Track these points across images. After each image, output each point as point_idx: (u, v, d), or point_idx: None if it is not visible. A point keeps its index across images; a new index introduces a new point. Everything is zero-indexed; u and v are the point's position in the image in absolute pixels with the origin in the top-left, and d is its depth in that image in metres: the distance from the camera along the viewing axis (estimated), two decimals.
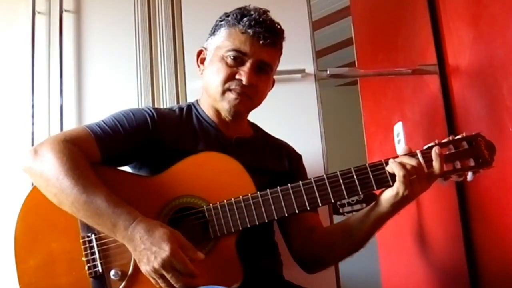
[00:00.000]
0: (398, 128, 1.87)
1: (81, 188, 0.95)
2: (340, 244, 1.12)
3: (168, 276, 0.91)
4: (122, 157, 1.10)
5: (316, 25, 1.86)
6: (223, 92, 1.14)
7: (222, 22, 1.17)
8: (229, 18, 1.16)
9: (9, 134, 1.54)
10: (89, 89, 1.58)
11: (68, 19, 1.61)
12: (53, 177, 0.96)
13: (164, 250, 0.90)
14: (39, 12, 1.59)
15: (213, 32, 1.20)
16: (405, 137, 1.82)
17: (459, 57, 1.58)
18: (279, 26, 1.18)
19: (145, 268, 0.92)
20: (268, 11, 1.17)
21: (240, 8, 1.17)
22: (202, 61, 1.22)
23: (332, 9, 2.76)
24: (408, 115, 1.87)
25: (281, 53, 1.21)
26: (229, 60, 1.13)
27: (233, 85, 1.13)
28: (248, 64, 1.12)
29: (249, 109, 1.21)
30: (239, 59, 1.13)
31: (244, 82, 1.11)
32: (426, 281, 1.82)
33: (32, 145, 1.50)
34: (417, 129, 1.79)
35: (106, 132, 1.06)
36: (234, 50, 1.12)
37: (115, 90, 1.59)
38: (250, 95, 1.15)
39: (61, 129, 1.53)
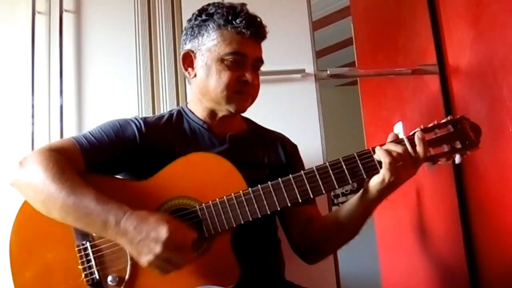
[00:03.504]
0: (398, 128, 1.87)
1: (69, 190, 0.95)
2: (335, 234, 1.13)
3: (173, 258, 0.91)
4: (108, 167, 1.09)
5: (316, 25, 1.86)
6: (230, 96, 1.13)
7: (207, 22, 1.14)
8: (215, 17, 1.14)
9: (9, 134, 1.54)
10: (89, 89, 1.58)
11: (68, 19, 1.61)
12: (40, 183, 0.96)
13: (162, 233, 0.90)
14: (39, 12, 1.59)
15: (198, 33, 1.16)
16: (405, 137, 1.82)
17: (459, 57, 1.58)
18: (260, 19, 1.17)
19: (147, 259, 0.91)
20: (246, 4, 1.16)
21: (221, 7, 1.14)
22: (190, 64, 1.19)
23: (332, 9, 2.76)
24: (408, 115, 1.87)
25: None
26: (230, 63, 1.12)
27: (240, 88, 1.13)
28: (249, 65, 1.14)
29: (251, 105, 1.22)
30: (239, 60, 1.13)
31: (251, 84, 1.13)
32: (426, 280, 1.82)
33: (32, 145, 1.51)
34: None
35: (91, 142, 1.07)
36: (233, 53, 1.12)
37: (115, 90, 1.59)
38: (255, 94, 1.18)
39: (61, 129, 1.53)
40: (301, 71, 1.61)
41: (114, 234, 0.93)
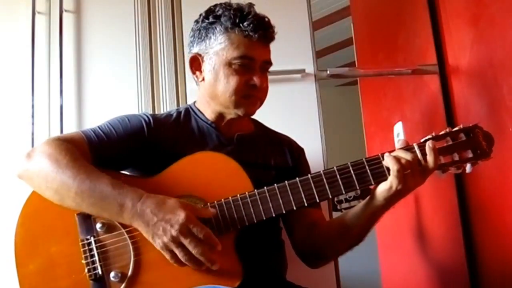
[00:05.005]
0: (398, 128, 1.87)
1: (84, 176, 0.96)
2: (338, 239, 1.11)
3: (186, 243, 0.91)
4: (115, 162, 1.09)
5: (316, 25, 1.86)
6: (238, 100, 1.12)
7: (214, 25, 1.13)
8: (222, 20, 1.11)
9: (9, 134, 1.54)
10: (89, 89, 1.58)
11: (68, 19, 1.61)
12: (53, 172, 0.96)
13: (180, 216, 0.91)
14: (39, 12, 1.59)
15: (205, 35, 1.14)
16: (405, 137, 1.82)
17: (459, 57, 1.58)
18: (268, 19, 1.15)
19: (161, 241, 0.91)
20: (253, 5, 1.14)
21: (228, 8, 1.13)
22: (198, 67, 1.18)
23: (332, 9, 2.76)
24: (408, 115, 1.87)
25: None
26: (238, 67, 1.11)
27: (248, 92, 1.12)
28: (258, 69, 1.12)
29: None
30: (246, 64, 1.11)
31: (259, 87, 1.12)
32: (426, 280, 1.82)
33: (32, 145, 1.51)
34: (417, 129, 1.79)
35: (100, 137, 1.07)
36: (241, 57, 1.10)
37: (115, 90, 1.59)
38: (263, 97, 1.17)
39: (61, 129, 1.53)
40: (301, 71, 1.61)
41: (131, 217, 0.93)
